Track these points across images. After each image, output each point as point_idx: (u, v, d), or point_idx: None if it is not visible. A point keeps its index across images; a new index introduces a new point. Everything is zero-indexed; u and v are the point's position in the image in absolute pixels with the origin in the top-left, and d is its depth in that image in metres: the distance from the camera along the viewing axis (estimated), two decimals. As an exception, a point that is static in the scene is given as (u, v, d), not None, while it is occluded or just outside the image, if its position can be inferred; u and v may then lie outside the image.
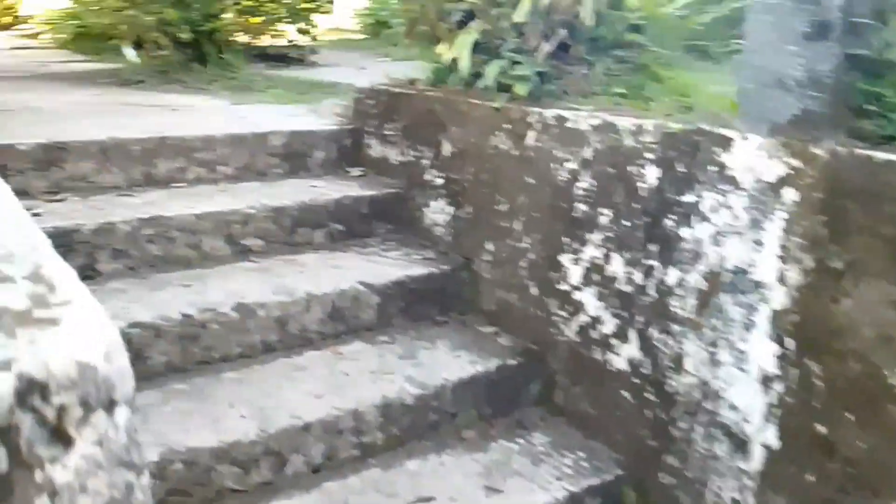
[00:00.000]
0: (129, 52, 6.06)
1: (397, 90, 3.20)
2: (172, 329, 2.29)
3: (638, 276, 2.25)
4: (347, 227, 3.02)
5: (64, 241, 2.43)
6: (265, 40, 5.77)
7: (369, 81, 3.58)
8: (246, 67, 5.20)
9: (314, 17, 5.61)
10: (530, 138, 2.58)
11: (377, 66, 4.99)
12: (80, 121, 3.22)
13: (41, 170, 2.74)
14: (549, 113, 2.50)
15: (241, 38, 5.43)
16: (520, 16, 2.63)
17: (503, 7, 2.80)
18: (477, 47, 2.84)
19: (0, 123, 3.05)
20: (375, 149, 3.34)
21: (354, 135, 3.43)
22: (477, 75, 2.86)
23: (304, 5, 5.47)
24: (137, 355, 2.24)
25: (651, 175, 2.17)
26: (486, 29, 2.83)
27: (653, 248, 2.20)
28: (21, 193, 2.77)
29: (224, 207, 2.76)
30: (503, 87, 2.74)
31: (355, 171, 3.38)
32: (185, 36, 5.01)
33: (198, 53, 5.24)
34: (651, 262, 2.20)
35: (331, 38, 7.64)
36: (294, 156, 3.28)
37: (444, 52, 2.89)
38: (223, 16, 5.22)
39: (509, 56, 2.76)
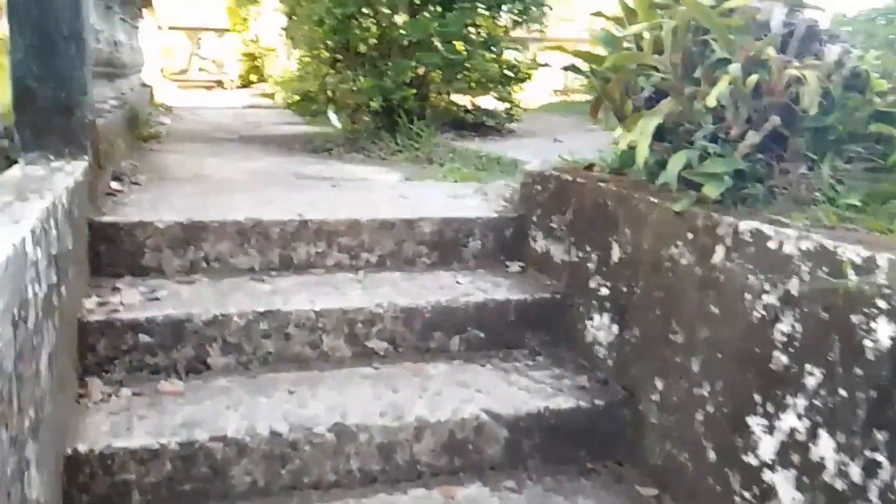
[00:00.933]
0: (333, 118, 6.24)
1: (566, 177, 2.78)
2: (259, 447, 2.02)
3: (855, 472, 1.59)
4: (490, 334, 2.62)
5: (174, 331, 2.29)
6: (461, 106, 5.63)
7: (544, 161, 3.20)
8: (434, 138, 5.06)
9: (517, 84, 5.37)
10: (718, 255, 2.02)
11: (578, 137, 4.59)
12: (236, 194, 3.16)
13: (178, 248, 2.66)
14: (746, 225, 1.93)
15: (437, 104, 5.33)
16: (716, 97, 2.10)
17: (700, 85, 2.28)
18: (664, 133, 2.34)
19: (157, 196, 3.06)
20: (539, 242, 2.93)
21: (518, 224, 3.05)
22: (661, 164, 2.35)
23: (505, 72, 5.24)
24: (216, 472, 1.99)
25: (883, 332, 1.53)
26: (677, 110, 2.33)
27: (880, 436, 1.54)
28: (155, 272, 2.74)
29: (350, 304, 2.49)
30: (691, 185, 2.21)
31: (514, 267, 2.98)
32: (376, 105, 4.99)
33: (389, 122, 5.20)
34: (876, 455, 1.54)
35: (546, 102, 7.42)
36: (446, 244, 2.96)
37: (622, 135, 2.42)
38: (420, 82, 5.14)
39: (702, 146, 2.23)
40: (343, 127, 5.59)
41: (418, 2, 4.98)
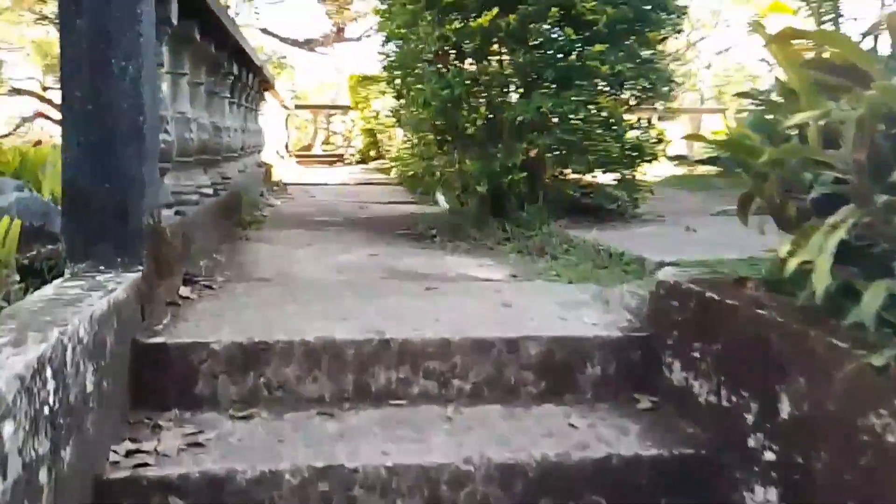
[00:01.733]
0: (440, 199, 5.89)
1: (711, 294, 2.18)
2: None
3: None
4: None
5: (212, 492, 1.85)
6: (578, 189, 5.10)
7: (679, 269, 2.62)
8: (546, 225, 4.55)
9: (641, 164, 4.81)
10: (955, 439, 1.36)
11: (712, 225, 3.95)
12: (313, 303, 2.76)
13: (236, 374, 2.26)
14: None
15: (551, 187, 4.83)
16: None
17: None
18: (846, 251, 1.73)
19: (226, 305, 2.71)
20: (676, 374, 2.32)
21: (648, 346, 2.46)
22: (845, 292, 1.74)
23: (628, 152, 4.69)
24: None
25: None
26: (863, 222, 1.72)
27: None
28: (208, 403, 2.35)
29: (433, 457, 1.98)
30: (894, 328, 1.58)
31: (644, 402, 2.38)
32: (483, 189, 4.56)
33: (497, 206, 4.75)
34: None
35: (668, 173, 6.75)
36: (557, 370, 2.42)
37: (789, 253, 1.83)
38: (532, 164, 4.67)
39: (908, 274, 1.60)
40: (451, 208, 5.19)
41: (531, 79, 4.57)
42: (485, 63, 4.50)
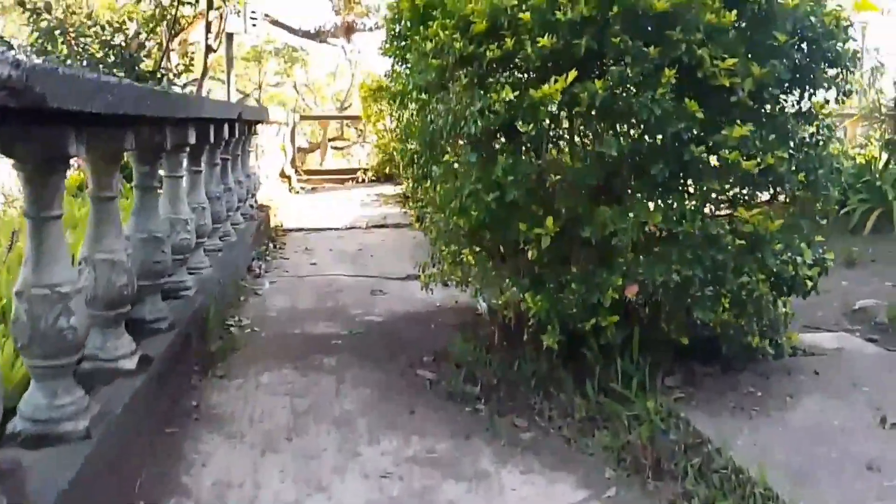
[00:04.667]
0: (482, 306, 4.33)
1: None
2: None
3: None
4: None
5: None
6: (698, 335, 3.44)
7: None
8: (654, 392, 2.99)
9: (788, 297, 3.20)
10: None
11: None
12: None
13: None
14: None
15: (658, 335, 3.23)
16: None
17: None
18: None
19: None
20: None
21: None
22: None
23: (775, 282, 3.07)
24: None
25: None
26: None
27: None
28: None
29: None
30: None
31: None
32: (550, 340, 3.00)
33: (574, 360, 3.19)
34: None
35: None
36: None
37: None
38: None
39: None
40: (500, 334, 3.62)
41: (629, 177, 2.98)
42: (554, 152, 2.91)
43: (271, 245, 7.07)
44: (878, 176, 7.72)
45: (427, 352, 3.85)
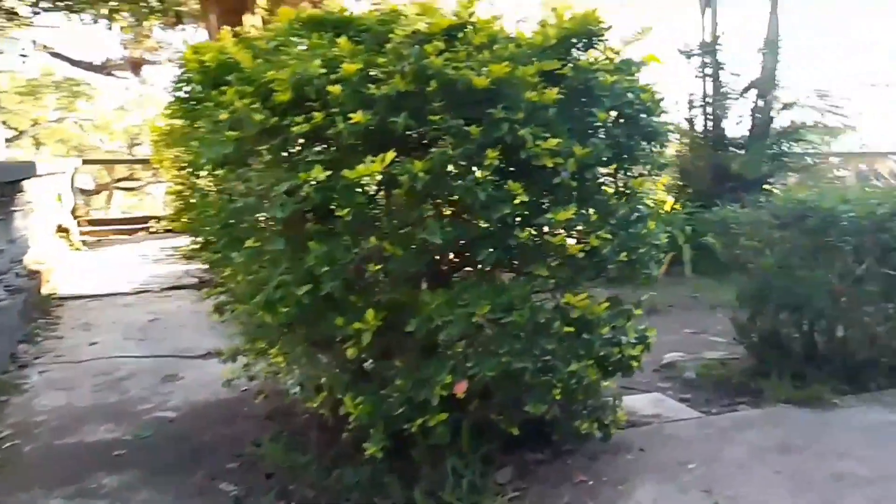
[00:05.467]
0: (296, 391, 3.87)
1: None
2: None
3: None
4: None
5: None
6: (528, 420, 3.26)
7: None
8: (486, 496, 2.75)
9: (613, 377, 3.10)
10: None
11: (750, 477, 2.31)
12: None
13: None
14: None
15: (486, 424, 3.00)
16: None
17: None
18: None
19: None
20: None
21: None
22: None
23: (601, 365, 2.96)
24: None
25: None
26: None
27: None
28: None
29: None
30: None
31: None
32: (374, 448, 2.68)
33: (401, 463, 2.88)
34: None
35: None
36: None
37: None
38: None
39: None
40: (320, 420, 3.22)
41: (452, 267, 2.76)
42: (373, 238, 2.61)
43: (44, 321, 6.11)
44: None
45: (231, 456, 3.36)
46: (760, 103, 8.99)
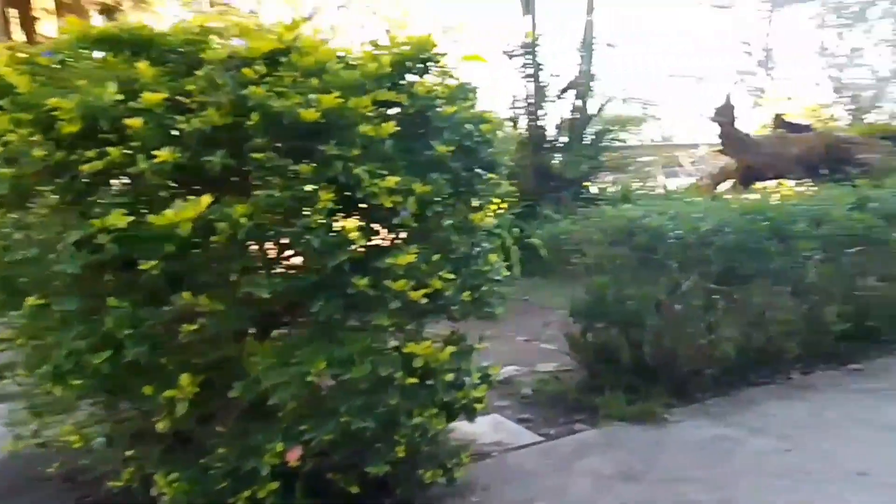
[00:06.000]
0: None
1: None
2: None
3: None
4: None
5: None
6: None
7: None
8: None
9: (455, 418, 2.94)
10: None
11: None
12: None
13: None
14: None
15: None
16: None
17: None
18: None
19: None
20: None
21: None
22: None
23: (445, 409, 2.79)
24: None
25: None
26: None
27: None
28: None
29: None
30: None
31: None
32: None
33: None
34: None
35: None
36: None
37: None
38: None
39: None
40: None
41: (284, 321, 2.46)
42: (187, 294, 2.25)
43: None
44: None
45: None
46: (578, 103, 9.33)
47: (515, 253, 7.92)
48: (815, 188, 11.10)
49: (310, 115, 2.28)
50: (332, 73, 2.37)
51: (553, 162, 8.92)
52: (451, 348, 2.64)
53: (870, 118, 13.87)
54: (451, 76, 2.78)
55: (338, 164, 2.33)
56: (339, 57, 2.43)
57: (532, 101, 9.11)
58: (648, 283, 4.00)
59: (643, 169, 13.05)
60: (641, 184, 10.50)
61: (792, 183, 11.66)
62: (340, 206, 2.42)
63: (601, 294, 4.10)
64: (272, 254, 2.40)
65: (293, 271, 2.45)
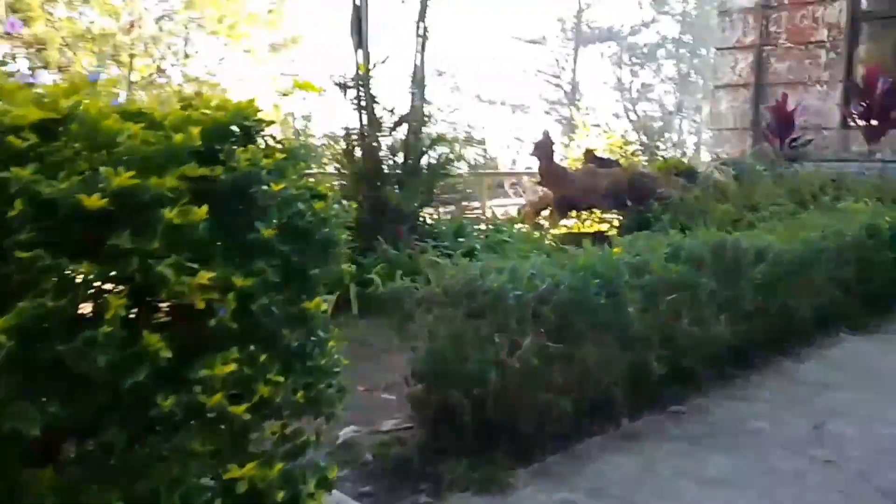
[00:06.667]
0: None
1: None
2: None
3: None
4: None
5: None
6: None
7: None
8: None
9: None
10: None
11: None
12: None
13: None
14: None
15: None
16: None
17: None
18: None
19: None
20: None
21: None
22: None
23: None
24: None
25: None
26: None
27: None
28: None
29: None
30: None
31: None
32: None
33: None
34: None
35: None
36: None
37: None
38: None
39: None
40: None
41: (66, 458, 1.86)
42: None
43: None
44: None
45: None
46: (412, 138, 9.05)
47: (353, 289, 7.46)
48: (621, 217, 11.56)
49: (94, 202, 1.72)
50: (125, 148, 1.83)
51: (389, 196, 8.55)
52: (279, 465, 2.15)
53: (661, 151, 14.80)
54: (279, 143, 2.31)
55: (133, 261, 1.79)
56: (133, 128, 1.88)
57: (367, 133, 8.71)
58: (489, 343, 3.73)
59: (471, 196, 13.07)
60: (471, 214, 10.44)
61: (601, 213, 12.11)
62: (136, 311, 1.87)
63: (442, 355, 3.76)
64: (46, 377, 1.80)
65: (78, 390, 1.86)
